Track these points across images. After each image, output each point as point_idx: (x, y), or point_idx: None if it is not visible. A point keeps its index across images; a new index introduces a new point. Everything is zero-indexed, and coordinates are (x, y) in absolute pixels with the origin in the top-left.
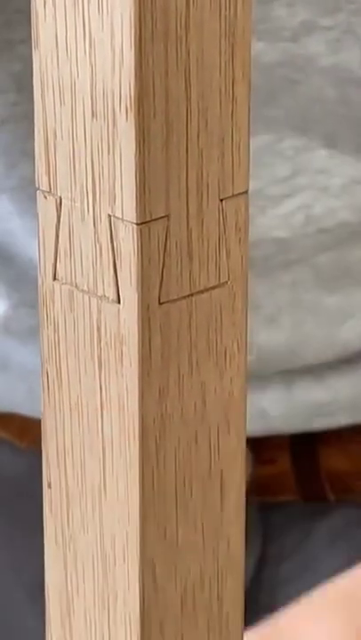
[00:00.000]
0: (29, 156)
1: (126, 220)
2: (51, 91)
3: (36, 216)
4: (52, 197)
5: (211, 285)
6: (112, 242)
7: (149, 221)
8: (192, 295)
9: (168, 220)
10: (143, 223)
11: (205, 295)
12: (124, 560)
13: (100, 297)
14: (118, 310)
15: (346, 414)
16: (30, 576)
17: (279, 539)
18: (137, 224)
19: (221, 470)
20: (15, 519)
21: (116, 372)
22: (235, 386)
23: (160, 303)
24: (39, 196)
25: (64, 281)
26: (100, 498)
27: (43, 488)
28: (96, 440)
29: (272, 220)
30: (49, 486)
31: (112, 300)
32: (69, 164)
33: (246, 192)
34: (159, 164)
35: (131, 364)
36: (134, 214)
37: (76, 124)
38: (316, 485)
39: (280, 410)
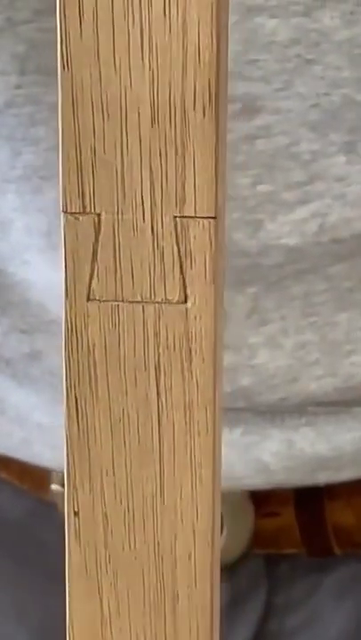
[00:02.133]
0: (33, 143)
1: (199, 217)
2: (89, 108)
3: (40, 211)
4: (86, 217)
5: None
6: (178, 243)
7: (219, 213)
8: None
9: (222, 208)
10: (217, 216)
11: None
12: (190, 557)
13: (160, 302)
14: (186, 309)
15: (350, 469)
16: (33, 618)
17: (285, 591)
18: (213, 218)
19: None
20: (17, 560)
21: (182, 372)
22: None
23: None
24: (66, 220)
25: (104, 298)
26: (153, 505)
27: (69, 515)
28: (149, 449)
29: (282, 227)
30: (75, 514)
31: (177, 301)
32: (116, 178)
33: None
34: (222, 155)
35: (204, 360)
36: (212, 209)
37: (128, 135)
38: (322, 539)
39: (282, 464)
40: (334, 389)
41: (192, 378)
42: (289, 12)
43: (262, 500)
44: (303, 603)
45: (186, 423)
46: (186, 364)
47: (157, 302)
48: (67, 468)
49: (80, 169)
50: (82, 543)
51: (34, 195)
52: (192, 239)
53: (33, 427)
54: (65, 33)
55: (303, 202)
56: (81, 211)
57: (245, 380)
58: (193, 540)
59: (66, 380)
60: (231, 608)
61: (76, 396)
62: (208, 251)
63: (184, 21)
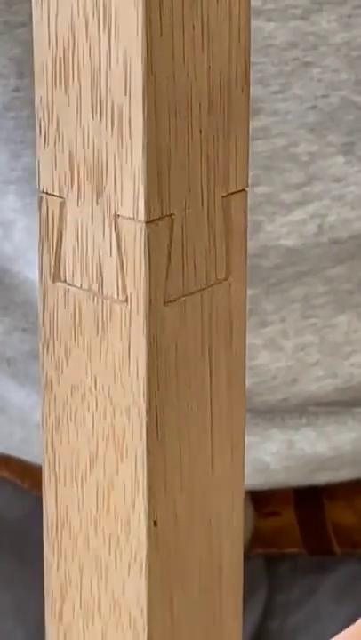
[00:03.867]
0: (31, 145)
1: (238, 192)
2: (165, 110)
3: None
4: (163, 221)
5: None
6: (225, 222)
7: None
8: None
9: None
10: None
11: None
12: (229, 523)
13: (213, 284)
14: (230, 284)
15: (349, 469)
16: (31, 616)
17: (285, 590)
18: (245, 190)
19: None
20: (16, 559)
21: (225, 346)
22: None
23: None
24: (149, 230)
25: (174, 297)
26: (206, 484)
27: (148, 528)
28: (204, 431)
29: (281, 228)
30: (155, 524)
31: (223, 278)
32: (185, 174)
33: None
34: None
35: (240, 328)
36: (246, 180)
37: (192, 129)
38: (322, 539)
39: (282, 464)
40: (335, 390)
41: (231, 348)
42: (287, 16)
43: (262, 500)
44: (303, 602)
45: (228, 393)
46: (228, 337)
47: (210, 285)
48: (148, 479)
49: (159, 174)
50: (160, 552)
51: (33, 197)
52: (233, 214)
53: (33, 426)
54: (149, 38)
55: (302, 203)
56: (160, 216)
57: (246, 382)
58: (232, 502)
59: (147, 390)
60: None
61: (156, 405)
62: (243, 222)
63: (230, 4)
